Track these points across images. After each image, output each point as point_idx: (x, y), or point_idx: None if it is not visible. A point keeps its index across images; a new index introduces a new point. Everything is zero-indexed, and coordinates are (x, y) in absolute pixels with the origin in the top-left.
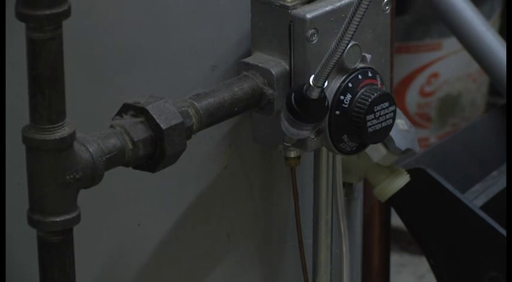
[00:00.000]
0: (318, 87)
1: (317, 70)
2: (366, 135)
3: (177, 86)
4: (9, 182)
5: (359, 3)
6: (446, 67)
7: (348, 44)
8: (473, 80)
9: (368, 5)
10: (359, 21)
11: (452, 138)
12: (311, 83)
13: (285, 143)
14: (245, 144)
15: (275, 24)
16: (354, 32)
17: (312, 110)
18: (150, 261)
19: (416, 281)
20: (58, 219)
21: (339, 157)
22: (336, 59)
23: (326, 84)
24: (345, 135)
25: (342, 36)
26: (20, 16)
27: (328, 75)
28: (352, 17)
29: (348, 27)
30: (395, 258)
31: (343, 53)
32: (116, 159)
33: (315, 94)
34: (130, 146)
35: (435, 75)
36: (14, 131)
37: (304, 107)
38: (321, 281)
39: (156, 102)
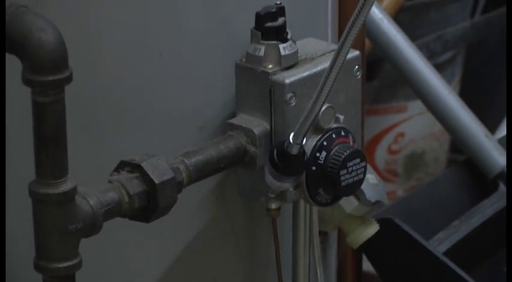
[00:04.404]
0: (297, 144)
1: (296, 129)
2: (340, 188)
3: (169, 145)
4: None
5: (330, 71)
6: (411, 127)
7: (321, 106)
8: (436, 138)
9: (338, 72)
10: (331, 87)
11: (418, 192)
12: (291, 140)
13: (270, 194)
14: (231, 196)
15: (257, 89)
16: (327, 95)
17: (293, 164)
18: None
19: None
20: (61, 266)
21: (315, 208)
22: (312, 119)
23: (304, 141)
24: (321, 189)
25: (316, 99)
26: (26, 81)
27: (305, 133)
28: (324, 82)
29: (321, 91)
30: None
31: (318, 113)
32: (114, 211)
33: (294, 150)
34: (126, 199)
35: (401, 134)
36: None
37: (286, 162)
38: None
39: (150, 159)
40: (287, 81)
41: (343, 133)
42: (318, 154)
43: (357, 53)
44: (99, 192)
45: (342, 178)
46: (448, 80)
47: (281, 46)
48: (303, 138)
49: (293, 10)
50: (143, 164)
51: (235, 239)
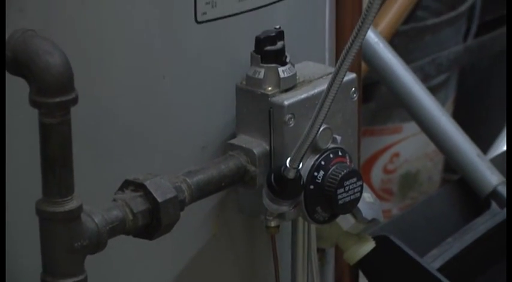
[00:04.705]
0: (294, 168)
1: (292, 153)
2: (337, 206)
3: (172, 164)
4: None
5: (327, 93)
6: (406, 148)
7: (319, 127)
8: (430, 159)
9: (335, 94)
10: (328, 108)
11: (412, 210)
12: (288, 164)
13: (267, 217)
14: (231, 214)
15: (257, 110)
16: (325, 117)
17: (289, 188)
18: None
19: None
20: (67, 281)
21: (313, 226)
22: (310, 141)
23: (301, 165)
24: (319, 207)
25: (314, 120)
26: (33, 103)
27: (302, 158)
28: (322, 104)
29: (318, 112)
30: None
31: (316, 135)
32: (118, 228)
33: (291, 174)
34: (130, 217)
35: (396, 155)
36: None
37: (282, 186)
38: None
39: (153, 179)
40: (286, 103)
41: (340, 153)
42: (315, 173)
43: (353, 75)
44: (103, 210)
45: (339, 197)
46: (442, 102)
47: (280, 69)
48: (300, 163)
49: (292, 34)
50: (147, 183)
51: (235, 255)
